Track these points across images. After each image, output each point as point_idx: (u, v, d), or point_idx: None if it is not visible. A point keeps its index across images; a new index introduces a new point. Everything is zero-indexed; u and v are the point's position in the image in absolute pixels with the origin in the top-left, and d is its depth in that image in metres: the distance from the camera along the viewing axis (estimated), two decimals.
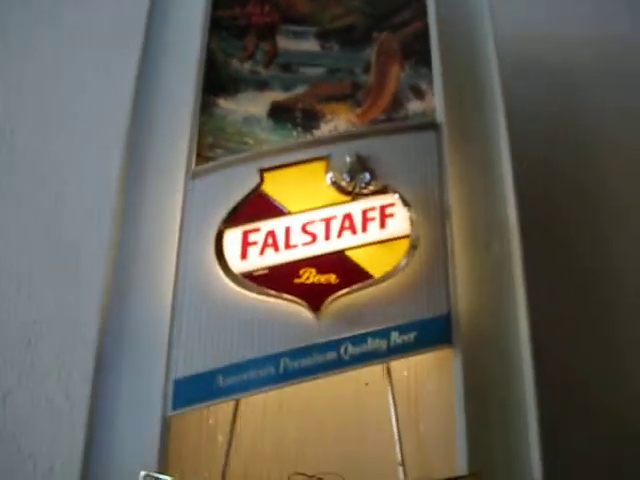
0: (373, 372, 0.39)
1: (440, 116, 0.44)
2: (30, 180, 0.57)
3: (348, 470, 0.36)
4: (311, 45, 0.48)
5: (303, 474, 0.37)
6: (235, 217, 0.40)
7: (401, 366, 0.39)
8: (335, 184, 0.41)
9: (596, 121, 0.63)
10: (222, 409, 0.38)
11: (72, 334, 0.49)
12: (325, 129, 0.45)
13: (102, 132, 0.49)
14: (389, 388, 0.38)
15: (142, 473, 0.36)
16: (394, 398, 0.38)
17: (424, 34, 0.47)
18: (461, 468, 0.36)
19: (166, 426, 0.37)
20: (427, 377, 0.39)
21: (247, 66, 0.47)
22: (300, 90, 0.47)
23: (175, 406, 0.37)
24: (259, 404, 0.39)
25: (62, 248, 0.53)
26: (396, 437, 0.37)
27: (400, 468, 0.36)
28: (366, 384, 0.39)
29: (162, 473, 0.36)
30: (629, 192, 0.59)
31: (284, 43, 0.48)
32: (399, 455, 0.37)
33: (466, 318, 0.39)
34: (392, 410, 0.38)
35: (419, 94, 0.46)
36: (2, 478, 0.46)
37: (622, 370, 0.53)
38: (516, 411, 0.38)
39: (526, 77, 0.57)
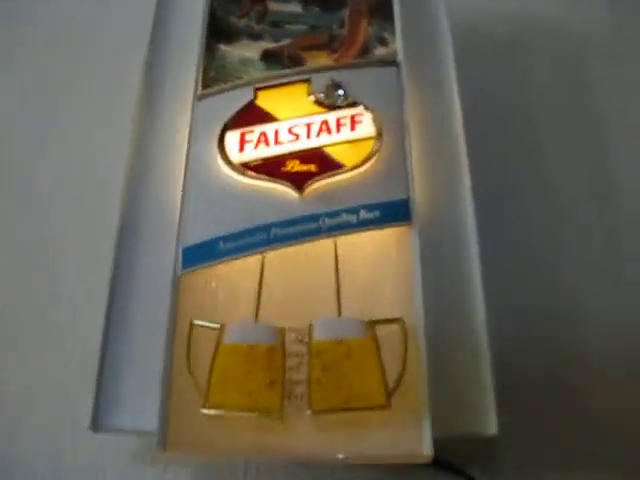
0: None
1: (400, 56, 0.54)
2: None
3: None
4: (295, 7, 0.58)
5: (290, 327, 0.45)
6: (234, 123, 0.49)
7: (367, 243, 0.47)
8: (316, 102, 0.51)
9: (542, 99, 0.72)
10: (222, 274, 0.46)
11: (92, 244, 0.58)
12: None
13: (122, 67, 0.58)
14: (335, 262, 0.46)
15: (195, 322, 0.43)
16: (337, 270, 0.46)
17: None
18: (419, 316, 0.44)
19: (177, 284, 0.45)
20: (389, 251, 0.47)
21: (243, 22, 0.57)
22: (287, 41, 0.57)
23: (185, 266, 0.45)
24: (252, 269, 0.46)
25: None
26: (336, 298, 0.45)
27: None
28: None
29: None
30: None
31: (273, 6, 0.58)
32: (336, 299, 0.45)
33: (422, 203, 0.48)
34: (335, 280, 0.46)
35: (383, 42, 0.56)
36: (36, 359, 0.54)
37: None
38: (462, 271, 0.47)
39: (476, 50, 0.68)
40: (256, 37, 0.56)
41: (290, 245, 0.45)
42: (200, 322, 0.43)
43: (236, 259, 0.45)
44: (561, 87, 0.69)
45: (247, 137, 0.48)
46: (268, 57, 0.55)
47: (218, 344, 0.42)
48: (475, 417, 0.43)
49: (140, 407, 0.43)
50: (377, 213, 0.46)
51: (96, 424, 0.43)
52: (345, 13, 0.58)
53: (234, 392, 0.41)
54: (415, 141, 0.50)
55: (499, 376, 0.43)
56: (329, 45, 0.56)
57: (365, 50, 0.55)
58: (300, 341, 0.44)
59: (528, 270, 0.57)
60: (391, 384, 0.41)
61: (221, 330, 0.43)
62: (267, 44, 0.56)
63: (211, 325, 0.43)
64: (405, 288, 0.46)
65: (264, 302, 0.45)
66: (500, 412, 0.42)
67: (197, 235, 0.46)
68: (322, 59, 0.55)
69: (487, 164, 0.53)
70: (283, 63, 0.55)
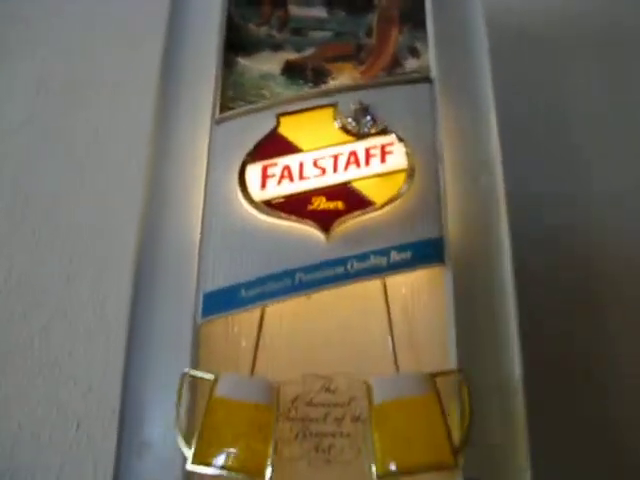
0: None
1: (433, 72, 0.50)
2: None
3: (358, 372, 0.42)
4: (319, 11, 0.54)
5: (315, 374, 0.43)
6: (255, 154, 0.46)
7: (399, 284, 0.45)
8: (342, 128, 0.47)
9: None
10: (245, 319, 0.44)
11: (107, 268, 0.55)
12: (332, 84, 0.51)
13: (134, 86, 0.54)
14: (385, 302, 0.43)
15: (185, 370, 0.41)
16: (389, 311, 0.43)
17: (420, 1, 0.53)
18: (452, 365, 0.42)
19: (197, 332, 0.43)
20: (422, 292, 0.45)
21: (263, 30, 0.53)
22: (310, 51, 0.52)
23: (205, 314, 0.43)
24: (276, 314, 0.44)
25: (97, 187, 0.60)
26: (390, 341, 0.42)
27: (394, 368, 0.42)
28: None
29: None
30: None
31: (295, 10, 0.54)
32: (392, 352, 0.42)
33: (456, 241, 0.45)
34: (388, 320, 0.43)
35: (415, 53, 0.51)
36: (48, 397, 0.52)
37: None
38: (499, 316, 0.44)
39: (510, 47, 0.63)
40: (277, 47, 0.52)
41: (316, 291, 0.42)
42: (193, 372, 0.41)
43: (259, 307, 0.42)
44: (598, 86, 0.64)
45: (269, 171, 0.45)
46: (290, 70, 0.51)
47: (210, 396, 0.40)
48: (508, 476, 0.41)
49: (162, 458, 0.41)
50: (408, 254, 0.43)
51: (117, 476, 0.41)
52: (373, 19, 0.53)
53: (221, 450, 0.39)
54: (449, 164, 0.47)
55: None
56: (356, 56, 0.52)
57: (395, 62, 0.51)
58: (327, 390, 0.42)
59: None
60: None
61: (215, 381, 0.40)
62: (289, 55, 0.52)
63: (204, 376, 0.41)
64: (438, 332, 0.43)
65: (286, 348, 0.43)
66: None
67: (218, 280, 0.43)
68: (348, 71, 0.51)
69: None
70: (306, 77, 0.51)
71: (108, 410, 0.45)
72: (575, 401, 0.52)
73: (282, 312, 0.44)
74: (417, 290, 0.45)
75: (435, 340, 0.43)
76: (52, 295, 0.55)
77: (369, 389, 0.40)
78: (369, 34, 0.53)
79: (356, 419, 0.42)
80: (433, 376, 0.40)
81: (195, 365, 0.42)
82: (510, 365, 0.43)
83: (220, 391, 0.40)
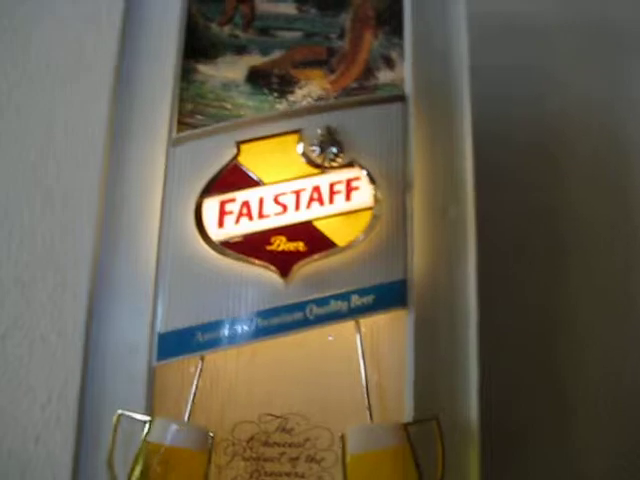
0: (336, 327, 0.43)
1: (408, 88, 0.47)
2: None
3: (314, 412, 0.42)
4: (288, 8, 0.49)
5: (271, 414, 0.43)
6: (213, 187, 0.43)
7: (360, 323, 0.44)
8: (305, 156, 0.44)
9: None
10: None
11: (63, 279, 0.53)
12: (299, 94, 0.47)
13: (85, 97, 0.51)
14: (359, 342, 0.42)
15: (118, 412, 0.40)
16: (363, 350, 0.42)
17: (398, 1, 0.49)
18: (409, 412, 0.42)
19: (152, 375, 0.42)
20: (383, 333, 0.44)
21: (226, 30, 0.48)
22: (277, 54, 0.48)
23: (159, 357, 0.42)
24: (233, 354, 0.43)
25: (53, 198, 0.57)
26: (364, 384, 0.42)
27: (367, 412, 0.41)
28: (330, 337, 0.44)
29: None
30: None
31: (262, 6, 0.49)
32: (366, 400, 0.41)
33: (420, 282, 0.43)
34: (361, 360, 0.42)
35: (390, 64, 0.48)
36: (7, 409, 0.52)
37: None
38: (460, 363, 0.44)
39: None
40: (241, 50, 0.48)
41: (274, 337, 0.42)
42: (127, 413, 0.41)
43: (215, 352, 0.42)
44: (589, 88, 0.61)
45: (227, 207, 0.43)
46: (254, 78, 0.47)
47: (143, 440, 0.40)
48: None
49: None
50: (370, 298, 0.42)
51: None
52: (346, 18, 0.49)
53: None
54: (417, 196, 0.45)
55: None
56: (326, 62, 0.48)
57: (367, 72, 0.48)
58: (283, 430, 0.42)
59: None
60: None
61: (150, 424, 0.40)
62: (254, 58, 0.48)
63: (139, 418, 0.40)
64: (397, 376, 0.43)
65: (243, 387, 0.43)
66: None
67: (173, 321, 0.42)
68: (317, 80, 0.48)
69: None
70: (271, 86, 0.47)
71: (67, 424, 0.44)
72: None
73: (240, 350, 0.43)
74: (378, 330, 0.44)
75: (394, 382, 0.43)
76: (8, 303, 0.53)
77: (344, 440, 0.40)
78: (341, 36, 0.49)
79: (310, 459, 0.42)
80: (406, 426, 0.40)
81: (150, 407, 0.41)
82: (467, 410, 0.43)
83: (152, 436, 0.40)
